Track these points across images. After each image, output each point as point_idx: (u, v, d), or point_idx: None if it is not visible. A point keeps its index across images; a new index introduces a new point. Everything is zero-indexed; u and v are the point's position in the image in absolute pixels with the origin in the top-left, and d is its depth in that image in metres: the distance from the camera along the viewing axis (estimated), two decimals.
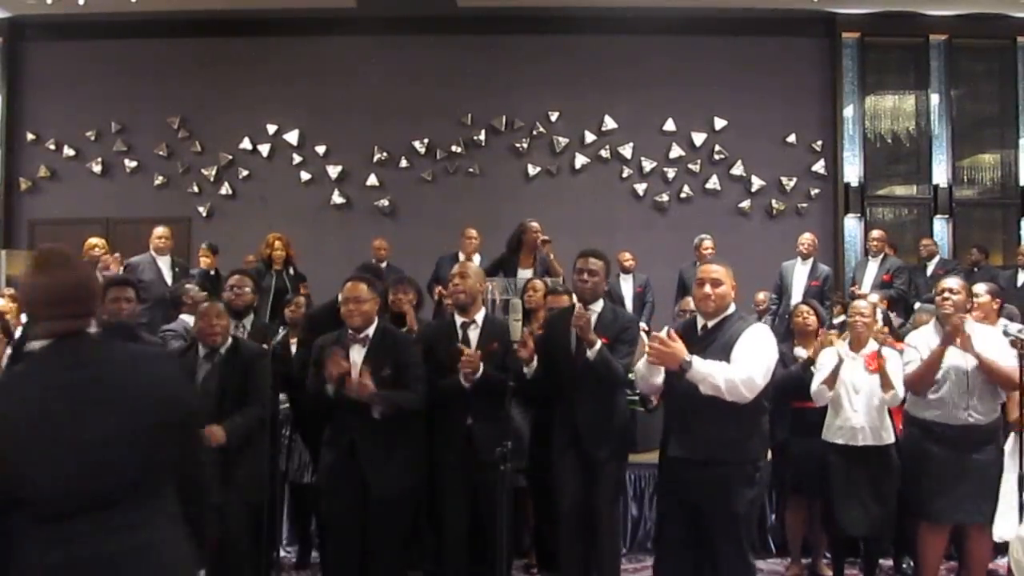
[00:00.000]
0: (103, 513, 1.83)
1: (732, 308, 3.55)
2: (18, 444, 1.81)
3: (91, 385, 1.86)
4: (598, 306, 4.04)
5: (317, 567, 4.75)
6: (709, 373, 3.28)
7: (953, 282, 4.24)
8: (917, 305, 6.31)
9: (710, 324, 3.53)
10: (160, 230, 7.13)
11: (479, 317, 4.19)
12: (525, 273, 6.47)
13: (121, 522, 1.85)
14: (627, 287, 7.97)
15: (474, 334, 4.13)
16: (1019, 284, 7.84)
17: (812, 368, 4.53)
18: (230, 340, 4.03)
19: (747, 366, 3.32)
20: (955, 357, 4.10)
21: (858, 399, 4.34)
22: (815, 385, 4.38)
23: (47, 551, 1.80)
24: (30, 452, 1.81)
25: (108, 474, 1.84)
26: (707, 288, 3.49)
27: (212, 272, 7.27)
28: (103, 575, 1.83)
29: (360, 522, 3.89)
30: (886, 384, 4.26)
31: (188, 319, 4.89)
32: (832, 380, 4.33)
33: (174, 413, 1.95)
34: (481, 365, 3.94)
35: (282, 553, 5.11)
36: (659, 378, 3.56)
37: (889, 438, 4.36)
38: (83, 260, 2.01)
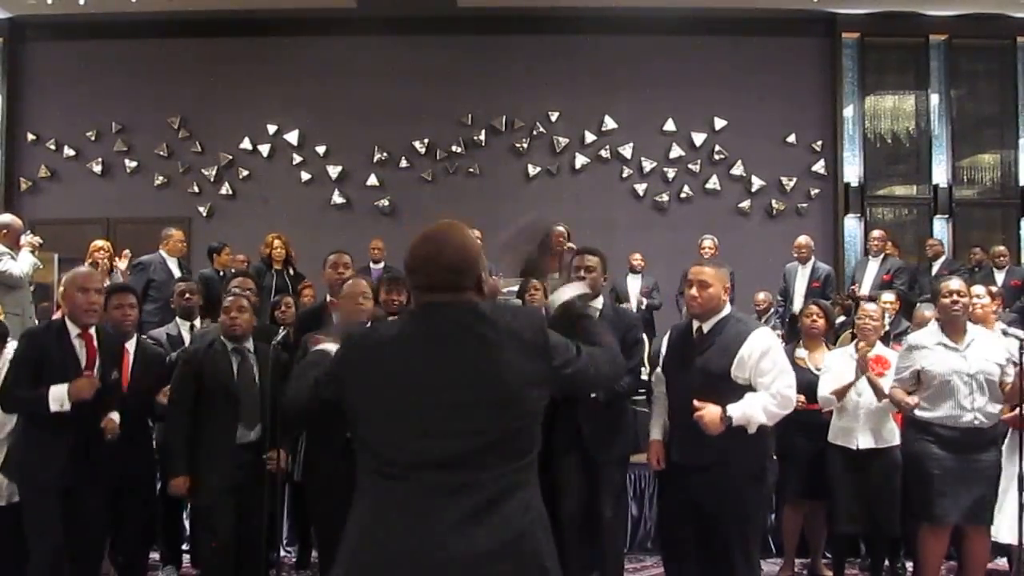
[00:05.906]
0: (446, 478, 1.81)
1: (728, 310, 3.54)
2: (386, 397, 1.87)
3: (449, 351, 1.88)
4: (599, 303, 4.00)
5: (317, 567, 4.75)
6: (751, 415, 3.32)
7: (957, 283, 4.19)
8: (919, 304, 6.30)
9: (705, 327, 3.52)
10: (177, 232, 7.12)
11: None
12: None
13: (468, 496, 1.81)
14: (634, 287, 8.02)
15: None
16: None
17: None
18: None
19: (776, 384, 3.35)
20: (957, 360, 4.08)
21: (862, 402, 4.34)
22: (824, 391, 4.37)
23: (384, 512, 1.83)
24: (391, 407, 1.87)
25: (455, 438, 1.83)
26: (694, 290, 3.51)
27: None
28: (442, 552, 1.78)
29: None
30: (878, 393, 4.26)
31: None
32: (843, 393, 4.33)
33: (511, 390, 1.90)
34: None
35: (282, 553, 5.10)
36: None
37: (893, 440, 4.35)
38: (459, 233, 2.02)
